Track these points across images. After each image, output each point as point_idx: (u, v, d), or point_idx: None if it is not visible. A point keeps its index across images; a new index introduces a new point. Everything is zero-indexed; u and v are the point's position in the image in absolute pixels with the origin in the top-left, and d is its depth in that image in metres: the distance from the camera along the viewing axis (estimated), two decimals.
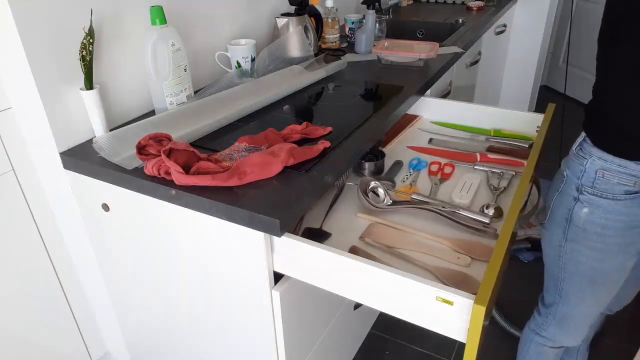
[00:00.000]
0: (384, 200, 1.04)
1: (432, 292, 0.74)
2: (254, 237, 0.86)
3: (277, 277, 0.92)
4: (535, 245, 2.04)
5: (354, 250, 0.91)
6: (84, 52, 0.98)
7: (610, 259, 1.00)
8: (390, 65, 1.55)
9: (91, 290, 1.29)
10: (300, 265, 0.87)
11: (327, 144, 1.02)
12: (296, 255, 0.86)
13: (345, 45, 1.80)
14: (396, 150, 1.30)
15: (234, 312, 1.01)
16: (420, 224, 1.00)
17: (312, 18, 1.61)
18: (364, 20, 1.73)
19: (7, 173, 1.04)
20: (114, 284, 1.23)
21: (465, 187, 1.10)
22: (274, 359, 1.02)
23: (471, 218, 0.97)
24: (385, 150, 1.28)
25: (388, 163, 1.22)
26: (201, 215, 0.90)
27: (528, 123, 1.31)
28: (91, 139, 1.07)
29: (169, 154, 0.90)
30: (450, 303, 0.73)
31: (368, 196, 1.04)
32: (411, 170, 1.20)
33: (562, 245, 1.05)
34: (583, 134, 1.00)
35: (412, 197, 1.05)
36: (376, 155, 1.19)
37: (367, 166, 1.17)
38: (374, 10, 1.68)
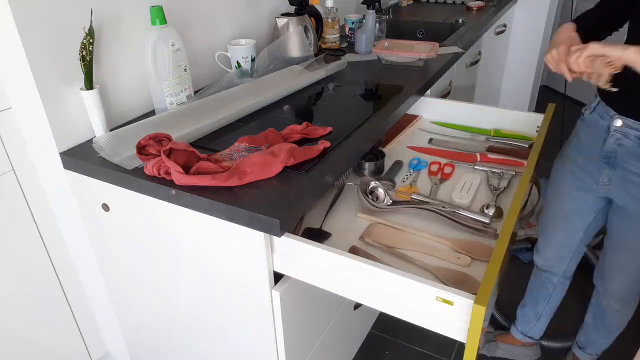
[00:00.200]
0: (384, 200, 1.04)
1: (432, 292, 0.74)
2: (254, 237, 0.86)
3: (277, 277, 0.92)
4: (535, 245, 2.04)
5: (354, 250, 0.91)
6: (84, 52, 0.98)
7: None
8: (390, 65, 1.55)
9: (91, 290, 1.29)
10: (300, 265, 0.87)
11: (327, 144, 1.02)
12: (296, 255, 0.86)
13: (345, 45, 1.80)
14: (396, 150, 1.30)
15: (234, 312, 1.01)
16: (420, 224, 0.99)
17: (312, 18, 1.61)
18: (364, 20, 1.73)
19: (7, 173, 1.04)
20: (114, 284, 1.23)
21: (465, 187, 1.09)
22: (274, 359, 1.02)
23: (471, 218, 0.97)
24: (385, 150, 1.28)
25: (388, 163, 1.22)
26: (201, 215, 0.90)
27: (528, 123, 1.31)
28: (91, 139, 1.07)
29: (169, 154, 0.90)
30: (450, 303, 0.73)
31: (368, 196, 1.04)
32: (411, 170, 1.20)
33: None
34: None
35: (412, 197, 1.05)
36: (376, 155, 1.19)
37: (367, 166, 1.17)
38: (374, 10, 1.68)
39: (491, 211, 1.01)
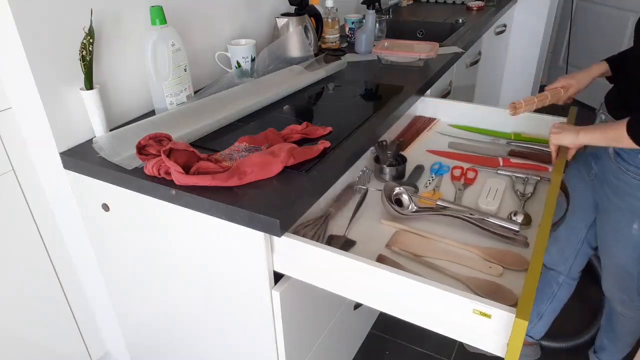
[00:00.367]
0: (408, 207, 1.01)
1: (469, 305, 0.72)
2: (254, 237, 0.86)
3: (277, 277, 0.92)
4: None
5: (381, 259, 0.88)
6: (84, 52, 0.98)
7: None
8: (390, 65, 1.55)
9: (91, 290, 1.29)
10: (300, 265, 0.87)
11: (327, 144, 1.02)
12: (296, 255, 0.86)
13: (345, 45, 1.80)
14: (415, 154, 1.27)
15: (234, 312, 1.01)
16: (445, 231, 0.96)
17: (312, 18, 1.61)
18: (364, 20, 1.73)
19: (7, 173, 1.04)
20: (114, 284, 1.23)
21: (491, 193, 1.06)
22: (274, 359, 1.02)
23: (500, 225, 0.93)
24: (405, 154, 1.23)
25: (409, 168, 1.19)
26: (201, 215, 0.90)
27: (547, 126, 1.27)
28: (91, 139, 1.07)
29: (169, 154, 0.90)
30: (488, 316, 0.71)
31: (393, 202, 1.01)
32: (433, 175, 1.17)
33: None
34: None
35: (437, 203, 1.02)
36: (397, 160, 1.16)
37: (389, 171, 1.13)
38: (374, 10, 1.68)
39: (520, 218, 0.98)
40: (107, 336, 1.39)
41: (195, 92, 1.26)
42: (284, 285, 0.92)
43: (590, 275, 1.46)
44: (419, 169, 1.20)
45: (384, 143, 1.16)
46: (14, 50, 0.94)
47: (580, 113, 1.27)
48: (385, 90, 1.34)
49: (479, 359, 1.56)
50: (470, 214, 0.97)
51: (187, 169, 0.90)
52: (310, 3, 1.60)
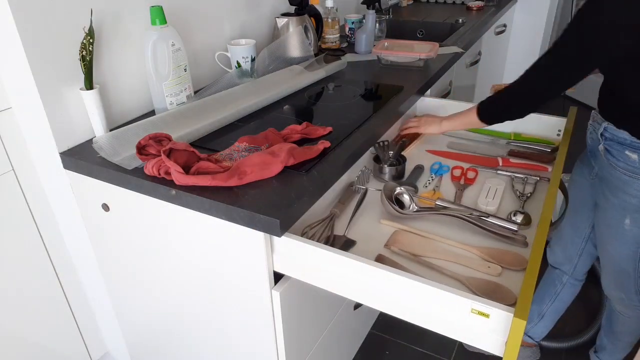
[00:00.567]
0: (409, 207, 1.01)
1: (467, 304, 0.72)
2: (254, 237, 0.86)
3: (277, 277, 0.92)
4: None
5: (380, 259, 0.89)
6: (84, 52, 0.98)
7: None
8: (390, 65, 1.55)
9: (91, 291, 1.29)
10: (300, 265, 0.87)
11: (327, 144, 1.02)
12: (296, 255, 0.86)
13: (345, 45, 1.80)
14: (415, 153, 1.27)
15: (233, 312, 1.01)
16: (445, 231, 0.97)
17: (312, 18, 1.61)
18: (364, 20, 1.73)
19: (7, 173, 1.04)
20: (114, 284, 1.23)
21: (491, 193, 1.07)
22: (274, 359, 1.02)
23: (499, 225, 0.94)
24: (404, 153, 1.23)
25: (409, 168, 1.19)
26: (201, 215, 0.90)
27: (548, 126, 1.29)
28: (91, 139, 1.07)
29: (169, 154, 0.90)
30: (486, 316, 0.71)
31: (394, 202, 1.01)
32: (433, 175, 1.17)
33: None
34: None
35: (437, 203, 1.02)
36: (397, 159, 1.16)
37: (389, 171, 1.13)
38: (374, 10, 1.68)
39: (519, 218, 0.98)
40: (107, 336, 1.39)
41: (195, 92, 1.26)
42: (284, 285, 0.92)
43: (590, 275, 1.45)
44: (419, 168, 1.20)
45: (384, 143, 1.16)
46: (14, 50, 0.94)
47: (580, 113, 1.27)
48: (385, 90, 1.34)
49: (478, 358, 1.56)
50: (470, 214, 0.97)
51: (187, 169, 0.90)
52: (310, 3, 1.60)
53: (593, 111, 1.15)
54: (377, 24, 1.85)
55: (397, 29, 2.27)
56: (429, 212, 1.00)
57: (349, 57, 1.63)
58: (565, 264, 1.39)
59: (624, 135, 1.03)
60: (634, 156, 1.03)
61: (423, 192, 1.11)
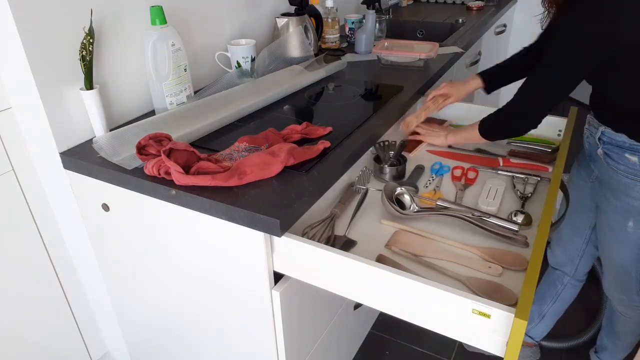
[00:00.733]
0: (410, 207, 1.00)
1: (468, 305, 0.72)
2: (254, 237, 0.86)
3: (277, 277, 0.92)
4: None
5: (381, 259, 0.88)
6: (84, 52, 0.98)
7: None
8: (390, 65, 1.55)
9: (91, 290, 1.29)
10: (300, 265, 0.87)
11: (327, 144, 1.02)
12: (296, 255, 0.86)
13: (345, 45, 1.80)
14: (415, 154, 1.27)
15: (233, 312, 1.01)
16: (445, 231, 0.96)
17: (312, 18, 1.61)
18: (364, 20, 1.73)
19: (7, 173, 1.04)
20: (114, 284, 1.23)
21: (491, 193, 1.06)
22: (274, 359, 1.02)
23: (500, 225, 0.93)
24: (404, 153, 1.23)
25: (409, 168, 1.19)
26: (201, 215, 0.90)
27: (549, 126, 1.29)
28: (91, 139, 1.07)
29: (169, 154, 0.90)
30: (487, 316, 0.71)
31: (394, 202, 1.01)
32: (433, 175, 1.17)
33: None
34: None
35: (437, 203, 1.02)
36: (398, 159, 1.16)
37: (389, 171, 1.13)
38: (374, 10, 1.68)
39: (520, 218, 0.98)
40: (107, 336, 1.39)
41: (195, 92, 1.26)
42: (284, 285, 0.92)
43: (590, 276, 1.46)
44: (419, 168, 1.20)
45: (385, 143, 1.16)
46: (14, 50, 0.94)
47: (580, 113, 1.27)
48: (385, 90, 1.34)
49: (478, 358, 1.56)
50: (471, 214, 0.97)
51: (187, 169, 0.90)
52: (310, 3, 1.60)
53: (588, 115, 1.15)
54: (377, 24, 1.85)
55: (397, 29, 2.27)
56: (429, 212, 0.99)
57: (349, 57, 1.63)
58: (566, 265, 1.39)
59: (623, 138, 1.03)
60: (634, 159, 1.03)
61: (424, 192, 1.11)
